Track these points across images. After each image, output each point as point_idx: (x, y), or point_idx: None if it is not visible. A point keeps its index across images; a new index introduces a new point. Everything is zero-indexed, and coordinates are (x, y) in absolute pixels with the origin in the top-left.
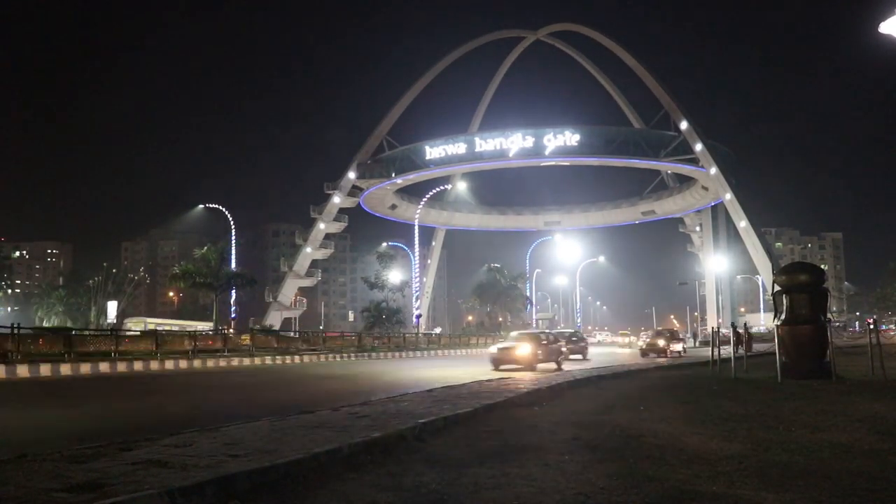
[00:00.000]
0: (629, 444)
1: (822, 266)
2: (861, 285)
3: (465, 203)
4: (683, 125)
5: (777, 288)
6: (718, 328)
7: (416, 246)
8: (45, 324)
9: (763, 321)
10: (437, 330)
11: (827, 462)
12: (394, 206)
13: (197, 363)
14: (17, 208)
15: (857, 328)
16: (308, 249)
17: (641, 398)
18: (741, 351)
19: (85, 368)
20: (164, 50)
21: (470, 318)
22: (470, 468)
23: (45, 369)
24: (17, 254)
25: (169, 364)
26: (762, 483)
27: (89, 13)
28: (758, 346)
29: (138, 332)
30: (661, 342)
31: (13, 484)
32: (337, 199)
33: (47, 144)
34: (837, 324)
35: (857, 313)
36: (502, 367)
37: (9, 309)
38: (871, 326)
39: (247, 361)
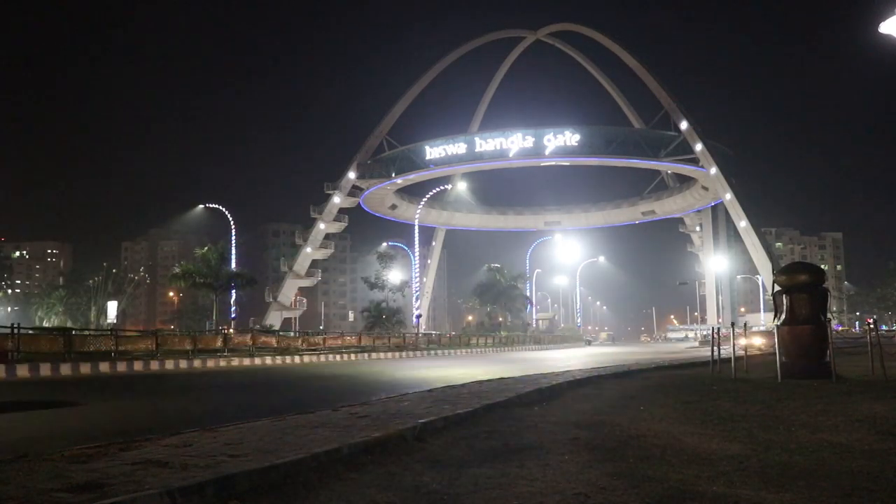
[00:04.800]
0: (629, 444)
1: (822, 266)
2: (861, 285)
3: (465, 203)
4: (683, 125)
5: (777, 288)
6: (719, 328)
7: (416, 246)
8: (45, 324)
9: (763, 321)
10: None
11: (827, 462)
12: (394, 206)
13: (197, 363)
14: (17, 208)
15: (858, 328)
16: (308, 249)
17: (641, 398)
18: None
19: (85, 368)
20: (164, 50)
21: (470, 318)
22: (470, 468)
23: (44, 369)
24: (17, 254)
25: (169, 364)
26: (762, 483)
27: (89, 12)
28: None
29: (138, 332)
30: None
31: (13, 484)
32: (337, 199)
33: (47, 144)
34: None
35: (858, 313)
36: None
37: (9, 309)
38: (871, 326)
39: (247, 361)
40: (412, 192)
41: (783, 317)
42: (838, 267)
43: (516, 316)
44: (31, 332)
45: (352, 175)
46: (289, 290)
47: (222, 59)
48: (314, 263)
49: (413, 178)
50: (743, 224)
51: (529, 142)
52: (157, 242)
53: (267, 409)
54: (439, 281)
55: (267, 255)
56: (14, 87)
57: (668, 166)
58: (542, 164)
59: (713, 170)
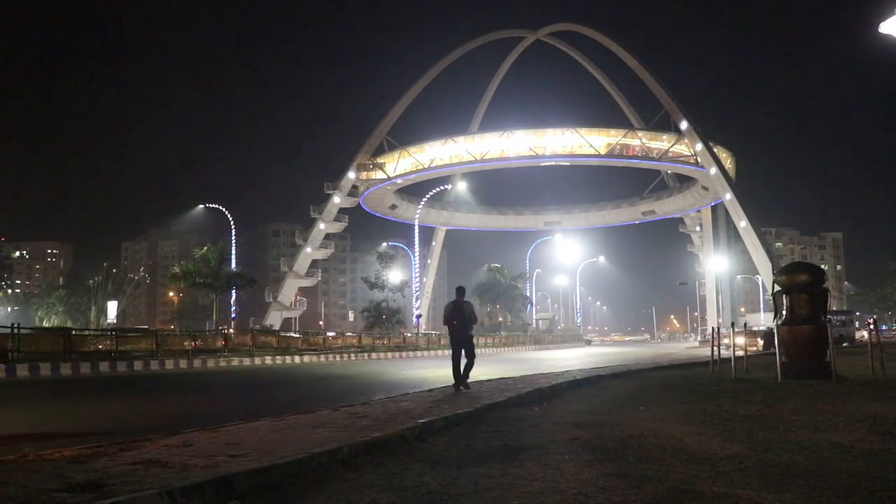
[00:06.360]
0: (629, 444)
1: (822, 266)
2: (861, 285)
3: (465, 203)
4: (683, 125)
5: (777, 288)
6: (718, 328)
7: (416, 246)
8: (45, 324)
9: (763, 321)
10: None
11: (827, 462)
12: (394, 206)
13: (197, 363)
14: (17, 208)
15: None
16: (308, 249)
17: (641, 398)
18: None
19: (85, 368)
20: (164, 50)
21: None
22: (470, 468)
23: (45, 369)
24: (17, 254)
25: (169, 364)
26: (762, 483)
27: (88, 12)
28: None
29: (139, 332)
30: None
31: (13, 484)
32: (337, 199)
33: (47, 144)
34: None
35: (857, 313)
36: None
37: (9, 309)
38: (871, 326)
39: (247, 361)
40: (412, 192)
41: (783, 317)
42: (838, 267)
43: (516, 316)
44: (31, 332)
45: (352, 175)
46: (289, 290)
47: (222, 59)
48: (314, 263)
49: (413, 178)
50: (743, 224)
51: (529, 141)
52: (157, 242)
53: (267, 409)
54: (439, 281)
55: (267, 255)
56: (14, 87)
57: (668, 166)
58: (542, 164)
59: (713, 170)
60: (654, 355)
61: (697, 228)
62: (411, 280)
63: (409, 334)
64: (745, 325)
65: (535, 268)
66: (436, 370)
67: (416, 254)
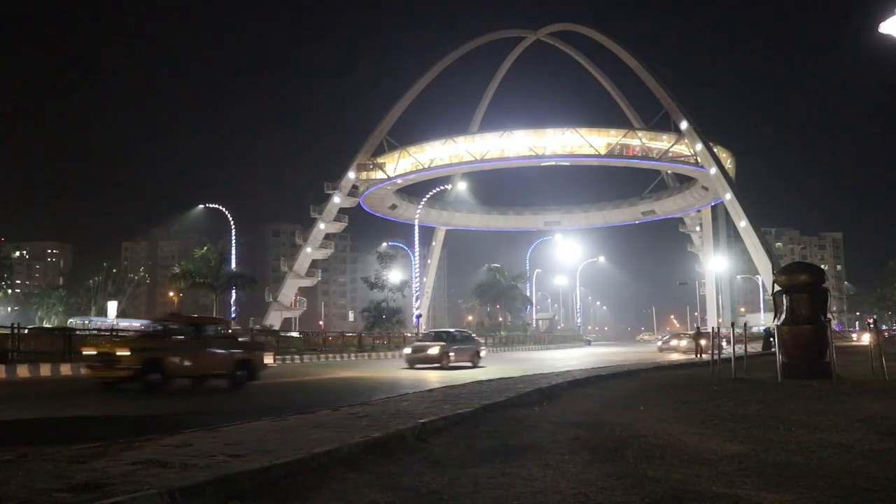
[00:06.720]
0: (629, 444)
1: (822, 266)
2: (861, 285)
3: (465, 203)
4: (683, 125)
5: (777, 288)
6: (719, 328)
7: (416, 246)
8: (45, 324)
9: (763, 321)
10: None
11: (827, 462)
12: (394, 206)
13: None
14: (17, 208)
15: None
16: (308, 249)
17: (641, 398)
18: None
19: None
20: (164, 49)
21: (470, 318)
22: (470, 468)
23: (44, 369)
24: (17, 254)
25: None
26: (762, 483)
27: (88, 12)
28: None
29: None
30: None
31: (13, 484)
32: (337, 199)
33: (47, 144)
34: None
35: (857, 313)
36: None
37: (9, 309)
38: (871, 326)
39: None
40: (412, 192)
41: (783, 317)
42: (838, 267)
43: (516, 316)
44: (31, 332)
45: (352, 175)
46: (289, 290)
47: (222, 60)
48: (314, 263)
49: (413, 178)
50: (743, 224)
51: (529, 141)
52: (157, 242)
53: (267, 409)
54: (439, 281)
55: (267, 255)
56: (14, 87)
57: (668, 166)
58: (542, 164)
59: (713, 170)
60: (655, 356)
61: (697, 228)
62: (411, 280)
63: (409, 334)
64: (745, 324)
65: (535, 268)
66: (436, 370)
67: (416, 254)
